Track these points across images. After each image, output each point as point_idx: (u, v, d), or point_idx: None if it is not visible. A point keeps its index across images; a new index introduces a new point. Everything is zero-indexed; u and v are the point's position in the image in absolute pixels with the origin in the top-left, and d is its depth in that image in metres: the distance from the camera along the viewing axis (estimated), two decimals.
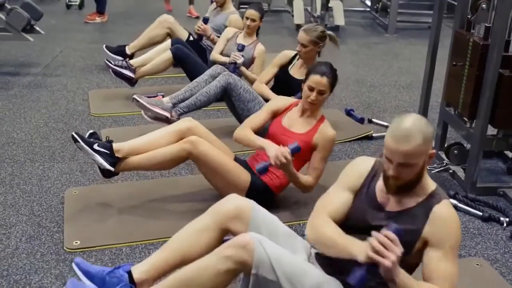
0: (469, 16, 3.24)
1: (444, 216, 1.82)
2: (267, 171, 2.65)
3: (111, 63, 4.31)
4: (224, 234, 2.10)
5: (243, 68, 4.09)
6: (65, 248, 2.57)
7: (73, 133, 2.76)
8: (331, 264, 1.95)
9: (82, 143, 2.73)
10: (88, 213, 2.84)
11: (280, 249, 1.89)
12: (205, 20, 4.61)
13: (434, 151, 1.83)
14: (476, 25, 3.18)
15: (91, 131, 2.90)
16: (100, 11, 7.00)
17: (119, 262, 2.49)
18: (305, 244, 2.09)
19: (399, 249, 1.67)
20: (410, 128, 1.74)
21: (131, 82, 4.37)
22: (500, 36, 2.91)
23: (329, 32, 3.68)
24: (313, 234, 1.90)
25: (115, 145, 2.78)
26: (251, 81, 4.02)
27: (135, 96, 3.57)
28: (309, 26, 3.65)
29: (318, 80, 2.77)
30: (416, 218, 1.84)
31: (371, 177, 1.95)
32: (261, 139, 2.80)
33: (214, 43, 4.54)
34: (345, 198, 1.96)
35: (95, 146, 2.75)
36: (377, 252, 1.66)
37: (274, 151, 2.61)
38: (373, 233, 1.70)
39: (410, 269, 1.86)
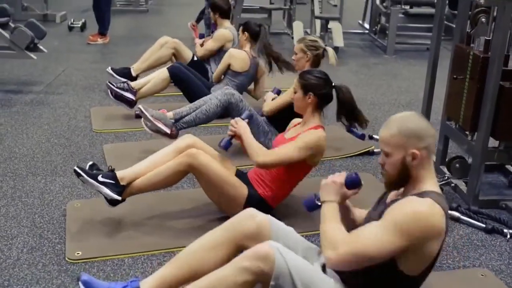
0: (469, 30, 3.28)
1: (410, 200, 1.78)
2: (229, 143, 2.91)
3: (113, 85, 4.31)
4: (238, 251, 2.03)
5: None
6: (67, 258, 2.55)
7: (75, 168, 2.72)
8: (345, 272, 1.93)
9: (86, 177, 2.71)
10: (90, 224, 2.83)
11: (299, 259, 1.88)
12: (201, 36, 4.99)
13: (416, 151, 1.81)
14: (476, 38, 3.22)
15: (90, 162, 2.86)
16: (102, 32, 7.08)
17: (121, 273, 2.48)
18: (320, 251, 2.08)
19: (338, 178, 1.96)
20: (394, 117, 1.87)
21: (131, 104, 4.39)
22: (500, 49, 2.94)
23: (327, 47, 3.71)
24: None
25: (118, 173, 2.76)
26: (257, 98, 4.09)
27: (140, 106, 3.58)
28: (304, 36, 3.82)
29: (295, 80, 2.90)
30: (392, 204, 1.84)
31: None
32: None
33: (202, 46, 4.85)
34: None
35: (100, 178, 2.72)
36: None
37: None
38: None
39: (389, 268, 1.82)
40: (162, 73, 4.42)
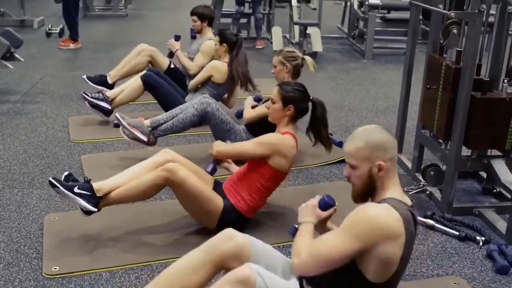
0: (441, 41, 3.34)
1: (363, 205, 1.85)
2: (215, 169, 2.93)
3: (88, 95, 4.35)
4: (218, 271, 2.06)
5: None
6: (44, 274, 2.55)
7: (51, 179, 2.70)
8: (319, 284, 1.97)
9: (62, 188, 2.69)
10: (68, 238, 2.83)
11: (277, 279, 1.92)
12: (176, 37, 4.83)
13: (382, 163, 1.87)
14: (448, 49, 3.28)
15: (66, 173, 2.82)
16: (73, 37, 7.05)
17: (99, 287, 2.48)
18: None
19: (312, 202, 2.09)
20: (359, 131, 1.94)
21: (107, 113, 4.41)
22: (471, 60, 3.00)
23: (305, 56, 3.75)
24: None
25: (95, 185, 2.74)
26: (230, 106, 4.11)
27: (117, 114, 3.63)
28: (281, 48, 3.86)
29: (273, 90, 2.95)
30: None
31: None
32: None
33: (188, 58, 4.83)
34: None
35: (76, 189, 2.70)
36: None
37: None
38: None
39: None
40: (136, 81, 4.43)
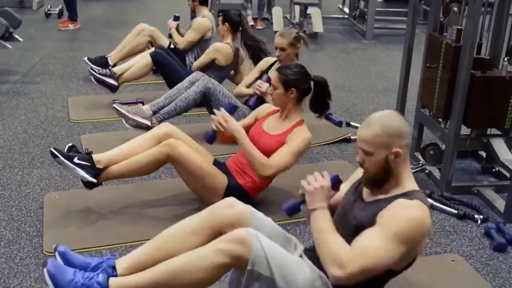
0: (442, 19, 3.32)
1: (403, 205, 1.80)
2: (214, 137, 2.88)
3: (95, 71, 4.34)
4: (216, 237, 2.01)
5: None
6: (44, 251, 2.57)
7: (52, 149, 2.73)
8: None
9: (62, 158, 2.71)
10: (68, 217, 2.85)
11: (276, 246, 1.91)
12: (176, 18, 4.84)
13: (399, 150, 1.84)
14: (448, 27, 3.26)
15: (69, 144, 2.87)
16: (72, 18, 7.02)
17: None
18: (296, 241, 2.12)
19: (325, 182, 1.90)
20: (374, 117, 1.88)
21: (113, 89, 4.40)
22: (471, 38, 2.99)
23: (300, 33, 3.73)
24: None
25: (95, 156, 2.78)
26: (237, 83, 4.13)
27: (115, 106, 3.61)
28: (284, 30, 3.76)
29: (273, 73, 2.94)
30: (380, 206, 1.85)
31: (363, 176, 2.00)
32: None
33: (181, 34, 4.85)
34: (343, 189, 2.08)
35: (75, 160, 2.73)
36: (307, 182, 1.92)
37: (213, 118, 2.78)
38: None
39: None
40: (144, 58, 4.42)
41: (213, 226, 2.03)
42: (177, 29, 4.90)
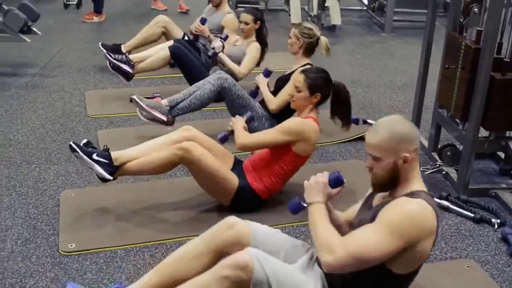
0: (461, 20, 3.26)
1: (402, 201, 1.81)
2: (227, 138, 2.95)
3: (111, 56, 4.33)
4: (220, 258, 2.07)
5: (223, 56, 4.17)
6: (60, 251, 2.60)
7: (71, 143, 2.75)
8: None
9: (81, 153, 2.73)
10: (84, 215, 2.87)
11: (278, 265, 1.92)
12: (203, 21, 4.62)
13: (407, 155, 1.82)
14: (468, 28, 3.20)
15: (85, 140, 2.88)
16: (98, 10, 7.01)
17: (114, 266, 2.53)
18: (305, 244, 2.13)
19: (322, 178, 1.94)
20: (382, 123, 1.87)
21: (128, 77, 4.39)
22: (491, 40, 2.93)
23: (322, 37, 3.68)
24: None
25: (113, 154, 2.79)
26: (233, 71, 4.11)
27: (134, 97, 3.61)
28: (301, 22, 3.80)
29: (296, 76, 2.93)
30: (383, 206, 1.85)
31: None
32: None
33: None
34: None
35: (94, 156, 2.75)
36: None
37: None
38: None
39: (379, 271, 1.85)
40: (162, 50, 4.41)
41: (215, 249, 2.07)
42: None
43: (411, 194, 1.84)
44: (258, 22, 4.24)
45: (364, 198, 2.10)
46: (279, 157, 2.90)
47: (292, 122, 2.90)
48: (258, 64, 4.35)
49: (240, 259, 1.85)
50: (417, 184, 1.89)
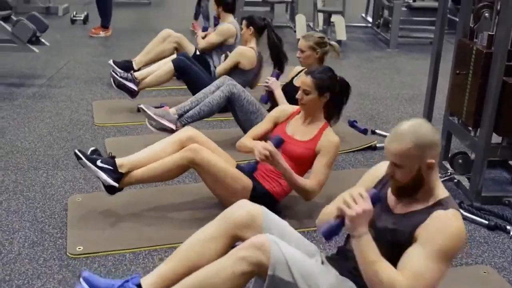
0: (472, 25, 3.26)
1: (442, 219, 1.75)
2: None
3: (117, 74, 4.33)
4: (234, 242, 2.04)
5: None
6: (68, 253, 2.55)
7: (76, 150, 2.74)
8: (344, 266, 1.93)
9: (85, 160, 2.71)
10: (92, 219, 2.83)
11: (295, 250, 1.88)
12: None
13: (432, 161, 1.77)
14: (479, 33, 3.19)
15: (92, 148, 2.88)
16: (105, 25, 7.06)
17: (122, 269, 2.48)
18: (316, 248, 2.08)
19: (367, 205, 1.73)
20: (404, 130, 1.78)
21: (133, 94, 4.40)
22: (503, 44, 2.92)
23: (332, 42, 3.71)
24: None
25: (118, 160, 2.77)
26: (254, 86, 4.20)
27: (141, 106, 3.58)
28: (308, 33, 3.77)
29: (303, 79, 2.86)
30: (416, 220, 1.79)
31: (385, 181, 1.94)
32: (253, 142, 2.86)
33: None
34: None
35: (98, 163, 2.73)
36: (345, 204, 1.75)
37: (257, 147, 2.61)
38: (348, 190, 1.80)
39: None
40: (166, 64, 4.41)
41: (228, 229, 2.03)
42: (204, 37, 4.86)
43: (442, 205, 1.79)
44: (251, 27, 4.29)
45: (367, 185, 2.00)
46: (304, 169, 2.89)
47: (334, 148, 2.82)
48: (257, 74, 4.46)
49: (255, 240, 1.83)
50: (439, 188, 1.85)
